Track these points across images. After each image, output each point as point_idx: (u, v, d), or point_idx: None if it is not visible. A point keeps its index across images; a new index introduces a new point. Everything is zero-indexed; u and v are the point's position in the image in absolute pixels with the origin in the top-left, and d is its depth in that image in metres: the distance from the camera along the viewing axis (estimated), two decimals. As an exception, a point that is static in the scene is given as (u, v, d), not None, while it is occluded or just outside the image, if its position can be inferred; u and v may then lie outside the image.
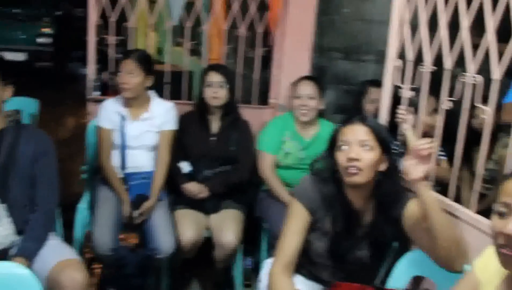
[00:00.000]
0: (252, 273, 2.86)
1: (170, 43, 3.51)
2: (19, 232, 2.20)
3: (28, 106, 3.65)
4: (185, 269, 3.07)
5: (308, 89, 2.92)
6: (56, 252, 2.17)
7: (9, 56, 8.25)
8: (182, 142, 2.93)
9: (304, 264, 2.02)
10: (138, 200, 2.78)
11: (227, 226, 2.76)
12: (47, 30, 9.60)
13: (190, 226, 2.73)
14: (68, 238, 2.39)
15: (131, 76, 2.74)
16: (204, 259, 2.89)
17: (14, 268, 1.70)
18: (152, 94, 2.93)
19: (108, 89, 3.53)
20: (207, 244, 2.83)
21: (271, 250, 2.59)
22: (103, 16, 3.26)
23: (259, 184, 3.07)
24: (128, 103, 2.85)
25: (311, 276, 2.07)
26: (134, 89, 2.77)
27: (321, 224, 1.95)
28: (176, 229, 2.72)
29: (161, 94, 3.06)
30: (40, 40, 9.46)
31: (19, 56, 8.91)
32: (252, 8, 3.36)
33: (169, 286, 2.97)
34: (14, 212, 2.19)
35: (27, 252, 2.11)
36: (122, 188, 2.81)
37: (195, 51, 3.95)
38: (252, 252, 3.02)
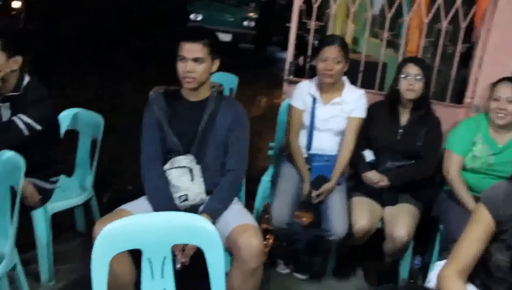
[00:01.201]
0: (419, 273, 2.79)
1: (368, 33, 3.52)
2: (208, 192, 2.44)
3: (229, 81, 3.96)
4: (352, 256, 3.11)
5: (508, 92, 2.71)
6: (237, 216, 2.36)
7: (219, 36, 9.02)
8: (368, 131, 2.94)
9: (479, 274, 1.91)
10: (318, 181, 2.86)
11: (401, 220, 2.73)
12: (252, 15, 10.28)
13: (365, 214, 2.75)
14: (248, 207, 2.57)
15: (335, 62, 2.80)
16: (371, 249, 2.90)
17: (203, 222, 1.89)
18: (345, 80, 2.98)
19: (304, 73, 3.67)
20: (377, 235, 2.83)
21: (444, 252, 2.50)
22: (306, 2, 3.40)
23: (442, 183, 2.96)
24: (323, 87, 2.93)
25: (485, 288, 1.95)
26: (336, 75, 2.84)
27: (507, 237, 1.83)
28: (350, 215, 2.76)
29: (352, 82, 3.10)
30: (245, 23, 10.20)
31: (226, 37, 9.72)
32: (458, 1, 3.21)
33: (334, 269, 3.04)
34: (207, 174, 2.44)
35: (213, 211, 2.33)
36: (305, 168, 2.92)
37: (391, 43, 3.90)
38: (421, 252, 2.94)
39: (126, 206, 2.38)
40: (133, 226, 1.86)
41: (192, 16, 10.22)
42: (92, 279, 1.78)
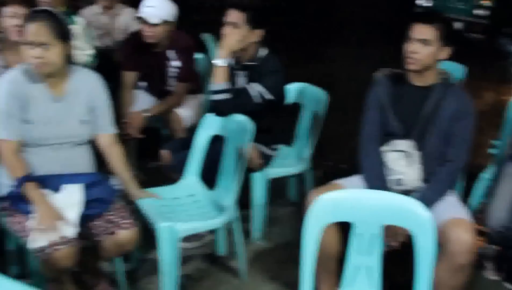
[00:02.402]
0: None
1: None
2: (424, 180, 2.38)
3: (456, 70, 3.77)
4: None
5: None
6: (452, 208, 2.28)
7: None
8: None
9: None
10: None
11: None
12: (486, 3, 9.55)
13: None
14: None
15: None
16: None
17: (418, 207, 1.86)
18: None
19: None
20: None
21: None
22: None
23: None
24: None
25: None
26: None
27: None
28: None
29: None
30: (477, 12, 9.52)
31: (456, 25, 9.23)
32: None
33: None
34: (425, 161, 2.38)
35: (426, 200, 2.27)
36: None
37: None
38: None
39: (340, 181, 2.45)
40: (348, 199, 1.92)
41: (420, 2, 9.87)
42: (303, 245, 1.88)
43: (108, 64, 3.62)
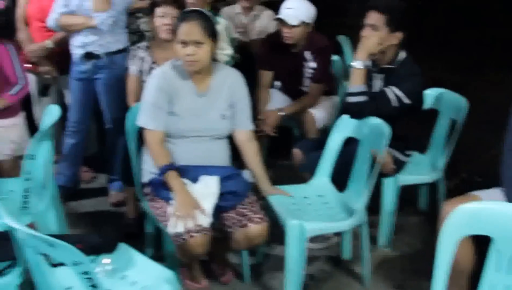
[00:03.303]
0: None
1: None
2: None
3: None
4: None
5: None
6: None
7: None
8: None
9: None
10: None
11: None
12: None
13: None
14: None
15: None
16: None
17: None
18: None
19: None
20: None
21: None
22: None
23: None
24: None
25: None
26: None
27: None
28: None
29: None
30: None
31: None
32: None
33: None
34: None
35: None
36: None
37: None
38: None
39: (477, 193, 2.32)
40: (489, 211, 1.80)
41: None
42: (437, 257, 1.81)
43: (247, 62, 3.73)
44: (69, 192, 3.42)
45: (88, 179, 3.74)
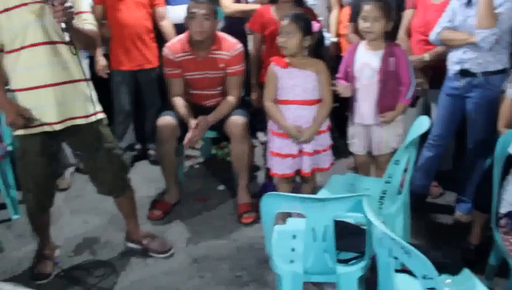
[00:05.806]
0: None
1: None
2: None
3: None
4: None
5: None
6: None
7: None
8: None
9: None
10: None
11: None
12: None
13: None
14: None
15: None
16: None
17: None
18: None
19: None
20: None
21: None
22: None
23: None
24: None
25: None
26: None
27: None
28: None
29: None
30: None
31: None
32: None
33: None
34: None
35: None
36: None
37: None
38: None
39: None
40: None
41: None
42: None
43: None
44: (417, 200, 3.44)
45: (436, 194, 3.72)
